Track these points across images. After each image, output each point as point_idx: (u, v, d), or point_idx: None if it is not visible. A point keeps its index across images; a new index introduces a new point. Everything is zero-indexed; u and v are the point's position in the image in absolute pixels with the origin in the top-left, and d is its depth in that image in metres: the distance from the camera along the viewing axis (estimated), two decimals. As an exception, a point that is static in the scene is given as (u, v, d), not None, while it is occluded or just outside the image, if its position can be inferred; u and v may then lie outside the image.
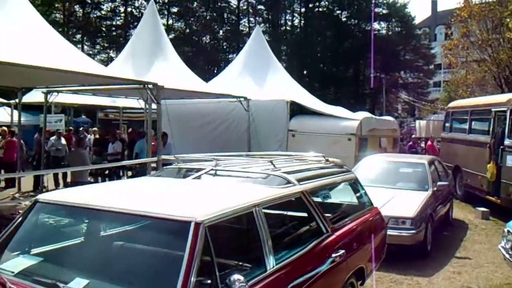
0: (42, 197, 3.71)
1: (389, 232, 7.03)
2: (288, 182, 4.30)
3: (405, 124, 39.47)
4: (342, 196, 5.71)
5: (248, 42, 19.30)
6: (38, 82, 13.17)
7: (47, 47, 10.19)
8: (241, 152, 5.85)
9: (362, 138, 15.00)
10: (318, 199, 4.75)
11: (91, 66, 11.50)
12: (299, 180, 4.41)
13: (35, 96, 23.38)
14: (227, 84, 16.80)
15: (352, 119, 15.44)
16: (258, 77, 17.38)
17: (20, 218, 3.64)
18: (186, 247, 2.85)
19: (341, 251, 4.46)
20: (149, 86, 11.21)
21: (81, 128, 23.29)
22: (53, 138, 16.44)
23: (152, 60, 14.70)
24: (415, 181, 9.65)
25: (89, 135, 19.14)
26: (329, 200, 5.14)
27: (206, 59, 46.40)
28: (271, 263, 3.47)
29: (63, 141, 16.28)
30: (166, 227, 3.08)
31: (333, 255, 4.32)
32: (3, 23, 9.51)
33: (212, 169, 4.48)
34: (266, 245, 3.49)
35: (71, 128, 22.81)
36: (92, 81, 12.02)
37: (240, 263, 3.39)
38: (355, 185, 5.89)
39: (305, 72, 48.34)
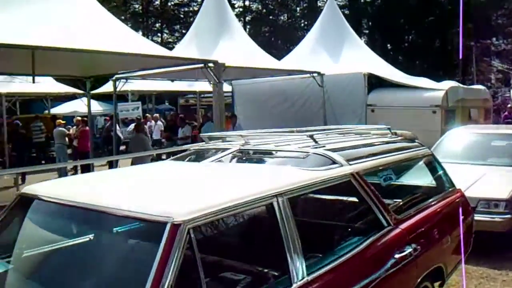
0: (25, 190, 3.04)
1: (479, 217, 5.90)
2: (333, 162, 3.34)
3: (500, 94, 36.41)
4: (413, 177, 4.64)
5: (321, 15, 18.17)
6: (102, 70, 12.90)
7: (105, 33, 9.85)
8: (290, 128, 4.92)
9: (449, 110, 13.56)
10: (378, 183, 3.75)
11: (152, 48, 11.03)
12: (350, 159, 3.45)
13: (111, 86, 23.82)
14: (300, 60, 15.94)
15: (436, 89, 13.97)
16: (333, 51, 16.38)
17: (3, 216, 3.01)
18: (156, 258, 2.04)
19: (409, 249, 3.45)
20: (209, 64, 10.54)
21: (155, 114, 23.29)
22: (132, 125, 16.43)
23: (217, 39, 14.09)
24: (509, 156, 8.26)
25: (149, 122, 18.97)
26: (393, 184, 4.10)
27: (284, 38, 45.34)
28: (299, 273, 2.57)
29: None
30: (140, 229, 2.29)
31: (397, 255, 3.33)
32: (58, 10, 9.25)
33: (239, 149, 3.63)
34: (292, 248, 2.58)
35: (147, 115, 22.91)
36: (154, 64, 11.60)
37: (250, 276, 2.51)
38: (430, 163, 4.77)
39: (388, 46, 46.00)
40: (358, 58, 15.87)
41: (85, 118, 15.89)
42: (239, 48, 13.98)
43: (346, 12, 42.98)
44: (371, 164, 3.66)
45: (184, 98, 33.08)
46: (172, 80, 24.05)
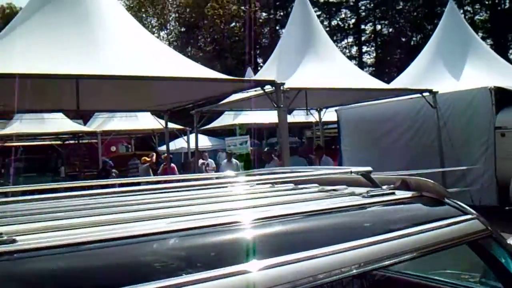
0: None
1: None
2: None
3: None
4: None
5: (440, 23, 15.31)
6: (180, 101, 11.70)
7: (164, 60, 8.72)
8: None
9: None
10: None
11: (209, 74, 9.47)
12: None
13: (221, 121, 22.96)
14: (414, 80, 13.46)
15: None
16: (452, 64, 13.52)
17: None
18: None
19: None
20: (265, 88, 8.61)
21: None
22: (224, 161, 15.18)
23: (298, 60, 11.99)
24: None
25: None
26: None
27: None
28: None
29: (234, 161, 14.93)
30: None
31: None
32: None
33: None
34: None
35: (251, 148, 21.60)
36: (217, 93, 10.10)
37: None
38: (484, 251, 1.90)
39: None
40: (483, 70, 12.87)
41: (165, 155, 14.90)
42: (326, 68, 11.83)
43: (488, 25, 38.55)
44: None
45: (311, 130, 31.33)
46: (290, 112, 22.48)
